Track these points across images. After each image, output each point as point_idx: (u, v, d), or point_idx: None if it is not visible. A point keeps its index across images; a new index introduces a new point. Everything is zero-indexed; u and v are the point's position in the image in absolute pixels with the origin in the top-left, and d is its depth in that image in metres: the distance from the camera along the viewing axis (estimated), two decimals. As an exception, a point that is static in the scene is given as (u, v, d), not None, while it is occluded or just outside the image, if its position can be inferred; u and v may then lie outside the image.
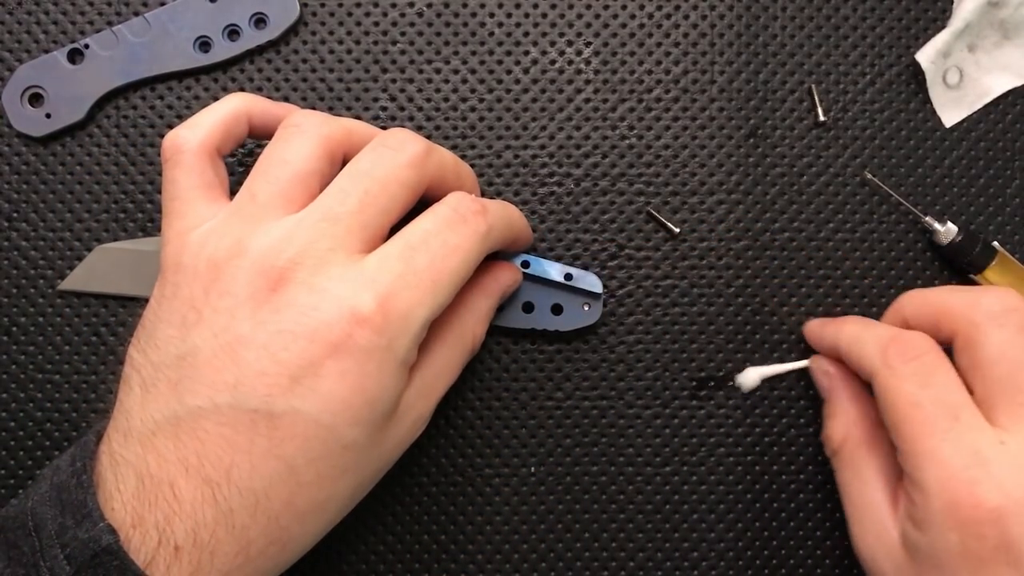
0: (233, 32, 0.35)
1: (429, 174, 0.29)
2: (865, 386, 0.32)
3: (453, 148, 0.36)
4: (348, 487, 0.27)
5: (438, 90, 0.36)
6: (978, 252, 0.35)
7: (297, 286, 0.26)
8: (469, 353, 0.32)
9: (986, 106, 0.37)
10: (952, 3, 0.37)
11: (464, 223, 0.28)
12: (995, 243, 0.36)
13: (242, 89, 0.36)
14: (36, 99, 0.35)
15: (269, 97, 0.36)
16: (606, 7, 0.36)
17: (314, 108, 0.36)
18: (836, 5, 0.37)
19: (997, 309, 0.28)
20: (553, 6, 0.36)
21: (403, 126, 0.36)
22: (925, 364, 0.28)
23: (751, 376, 0.35)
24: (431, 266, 0.27)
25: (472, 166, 0.36)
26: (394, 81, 0.36)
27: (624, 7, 0.37)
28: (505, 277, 0.33)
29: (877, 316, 0.36)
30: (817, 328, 0.34)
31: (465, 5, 0.36)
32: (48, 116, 0.35)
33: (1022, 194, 0.37)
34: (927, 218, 0.36)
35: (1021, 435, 0.27)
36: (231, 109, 0.30)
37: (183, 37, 0.35)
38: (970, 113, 0.37)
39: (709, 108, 0.36)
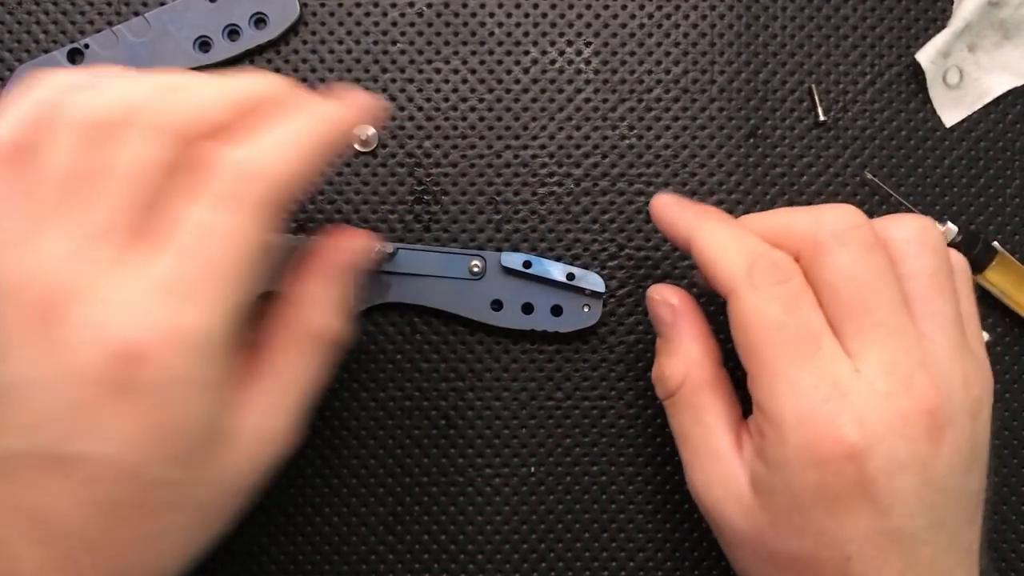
0: (233, 32, 0.35)
1: (185, 132, 0.24)
2: (707, 320, 0.30)
3: (453, 148, 0.36)
4: (182, 521, 0.24)
5: (438, 90, 0.36)
6: (978, 252, 0.35)
7: (71, 321, 0.22)
8: (327, 351, 0.28)
9: (986, 106, 0.37)
10: (952, 3, 0.37)
11: (233, 196, 0.23)
12: (995, 243, 0.36)
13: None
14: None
15: (269, 97, 0.36)
16: (606, 7, 0.36)
17: (314, 108, 0.36)
18: (836, 5, 0.37)
19: (841, 227, 0.26)
20: (553, 6, 0.36)
21: (403, 126, 0.36)
22: (792, 288, 0.26)
23: None
24: (207, 269, 0.23)
25: (472, 166, 0.36)
26: (394, 81, 0.36)
27: (624, 7, 0.37)
28: (345, 252, 0.29)
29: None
30: (670, 208, 0.30)
31: (465, 5, 0.36)
32: None
33: (1022, 194, 0.37)
34: (916, 213, 0.36)
35: (872, 361, 0.25)
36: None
37: (183, 37, 0.35)
38: (970, 113, 0.37)
39: (709, 108, 0.36)
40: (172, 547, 0.25)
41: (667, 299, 0.30)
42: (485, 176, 0.36)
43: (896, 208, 0.36)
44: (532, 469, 0.36)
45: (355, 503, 0.35)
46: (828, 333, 0.26)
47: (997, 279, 0.35)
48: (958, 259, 0.29)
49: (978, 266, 0.35)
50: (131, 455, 0.22)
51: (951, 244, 0.35)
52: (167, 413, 0.23)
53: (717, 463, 0.28)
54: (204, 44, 0.35)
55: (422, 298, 0.35)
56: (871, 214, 0.36)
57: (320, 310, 0.28)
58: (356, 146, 0.36)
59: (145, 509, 0.23)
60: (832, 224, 0.26)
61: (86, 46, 0.35)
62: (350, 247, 0.29)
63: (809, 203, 0.36)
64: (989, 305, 0.36)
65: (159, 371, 0.22)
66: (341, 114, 0.27)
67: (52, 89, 0.24)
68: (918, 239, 0.27)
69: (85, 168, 0.23)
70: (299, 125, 0.25)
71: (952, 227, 0.35)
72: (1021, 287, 0.35)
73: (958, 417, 0.26)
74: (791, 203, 0.36)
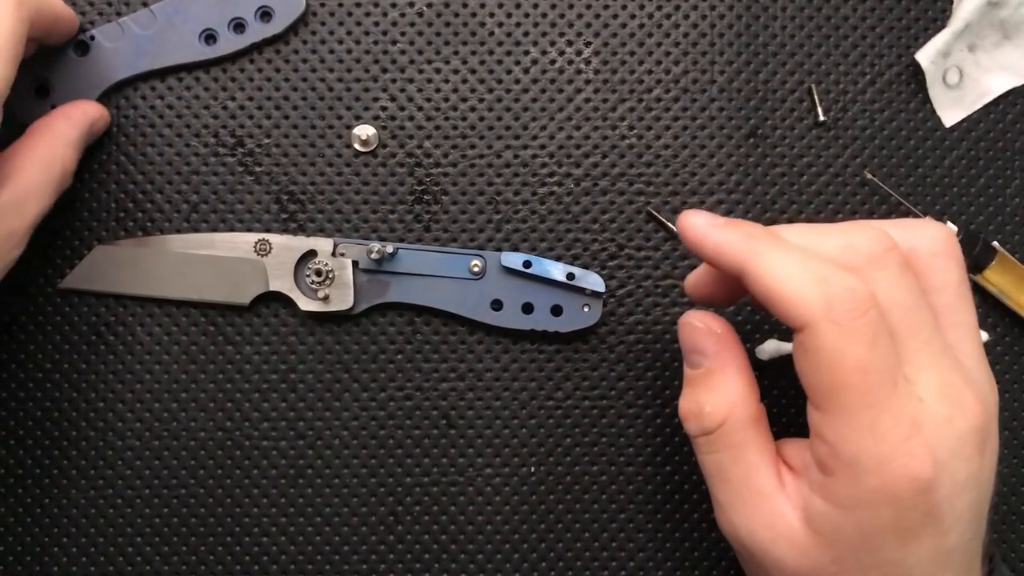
0: (239, 25, 0.35)
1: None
2: (745, 350, 0.29)
3: (453, 148, 0.36)
4: None
5: (438, 90, 0.36)
6: (978, 252, 0.35)
7: None
8: (59, 178, 0.32)
9: (986, 106, 0.37)
10: (952, 3, 0.37)
11: None
12: (995, 243, 0.36)
13: (250, 80, 0.36)
14: (42, 91, 0.35)
15: (269, 97, 0.36)
16: (606, 7, 0.36)
17: (314, 108, 0.36)
18: (836, 5, 0.37)
19: (876, 251, 0.25)
20: (553, 6, 0.36)
21: (403, 126, 0.36)
22: (872, 321, 0.24)
23: (769, 347, 0.35)
24: None
25: (472, 166, 0.36)
26: (394, 81, 0.36)
27: (624, 7, 0.37)
28: (90, 108, 0.34)
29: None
30: (710, 232, 0.27)
31: (465, 5, 0.36)
32: (53, 107, 0.34)
33: (1022, 194, 0.37)
34: (927, 218, 0.36)
35: (928, 386, 0.25)
36: None
37: (188, 30, 0.35)
38: (970, 113, 0.37)
39: (709, 108, 0.36)
40: None
41: (711, 328, 0.28)
42: (485, 176, 0.36)
43: (896, 208, 0.36)
44: (532, 469, 0.36)
45: (355, 503, 0.35)
46: (899, 363, 0.25)
47: (997, 279, 0.35)
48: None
49: (978, 266, 0.35)
50: None
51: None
52: None
53: (763, 503, 0.27)
54: (210, 37, 0.35)
55: (422, 298, 0.35)
56: (871, 214, 0.36)
57: (62, 141, 0.32)
58: (356, 146, 0.36)
59: None
60: (867, 248, 0.25)
61: (92, 38, 0.35)
62: (94, 107, 0.34)
63: (809, 203, 0.36)
64: (989, 305, 0.36)
65: None
66: (69, 15, 0.33)
67: None
68: (944, 251, 0.26)
69: None
70: None
71: (952, 227, 0.35)
72: (1021, 287, 0.35)
73: (993, 425, 0.26)
74: (791, 203, 0.36)
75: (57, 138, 0.32)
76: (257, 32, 0.35)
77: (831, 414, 0.25)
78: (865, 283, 0.24)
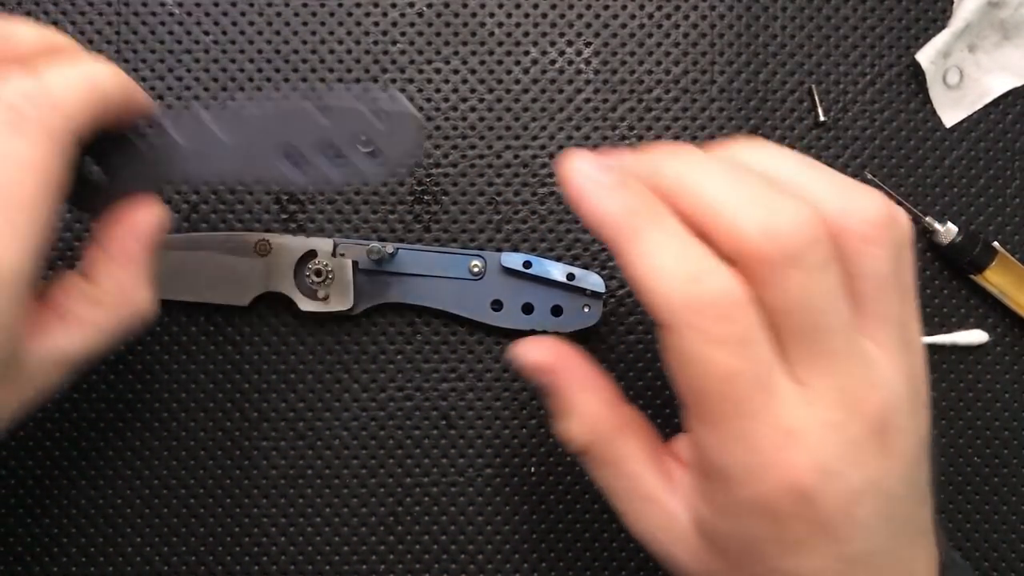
0: (337, 156, 0.28)
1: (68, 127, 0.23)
2: (590, 360, 0.27)
3: (453, 148, 0.36)
4: None
5: (438, 90, 0.36)
6: (978, 252, 0.35)
7: None
8: (132, 325, 0.28)
9: (986, 106, 0.37)
10: (952, 3, 0.37)
11: (25, 122, 0.23)
12: (995, 243, 0.36)
13: (250, 80, 0.36)
14: (89, 170, 0.29)
15: (269, 97, 0.36)
16: (606, 7, 0.36)
17: (314, 108, 0.36)
18: (836, 5, 0.37)
19: (795, 244, 0.22)
20: (553, 6, 0.36)
21: (403, 126, 0.36)
22: (745, 329, 0.22)
23: None
24: (6, 199, 0.22)
25: (472, 166, 0.36)
26: (394, 81, 0.36)
27: (624, 7, 0.37)
28: (146, 226, 0.28)
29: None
30: (593, 188, 0.23)
31: (465, 5, 0.36)
32: (99, 187, 0.28)
33: (1022, 194, 0.37)
34: (927, 218, 0.36)
35: (823, 390, 0.23)
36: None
37: (273, 144, 0.28)
38: (970, 113, 0.37)
39: (709, 108, 0.36)
40: None
41: (535, 360, 0.27)
42: (485, 176, 0.36)
43: (896, 208, 0.36)
44: (532, 469, 0.36)
45: (355, 503, 0.35)
46: (778, 368, 0.22)
47: (997, 279, 0.35)
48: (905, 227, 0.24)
49: (978, 266, 0.35)
50: None
51: (951, 244, 0.35)
52: None
53: (655, 509, 0.26)
54: (296, 158, 0.28)
55: (422, 298, 0.35)
56: (871, 214, 0.36)
57: (130, 299, 0.27)
58: (356, 146, 0.36)
59: None
60: (786, 239, 0.22)
61: (159, 124, 0.28)
62: (151, 220, 0.28)
63: (809, 203, 0.36)
64: (989, 305, 0.36)
65: None
66: (123, 76, 0.26)
67: None
68: (876, 238, 0.23)
69: None
70: (90, 67, 0.25)
71: (952, 227, 0.35)
72: (1021, 287, 0.35)
73: (904, 421, 0.24)
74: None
75: (126, 292, 0.27)
76: (357, 168, 0.28)
77: (699, 421, 0.23)
78: (764, 276, 0.22)
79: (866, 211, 0.23)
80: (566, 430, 0.27)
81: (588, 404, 0.26)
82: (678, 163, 0.23)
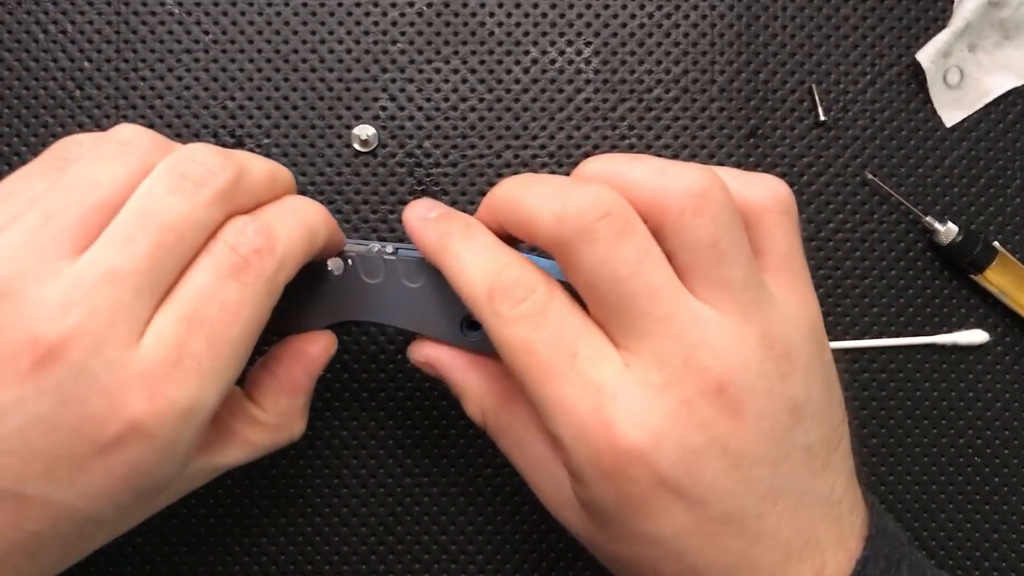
0: (473, 324, 0.29)
1: (237, 206, 0.25)
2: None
3: (453, 148, 0.36)
4: (102, 540, 0.25)
5: (438, 90, 0.36)
6: (978, 252, 0.35)
7: (66, 369, 0.22)
8: (285, 444, 0.30)
9: (987, 106, 0.37)
10: (952, 3, 0.37)
11: (246, 269, 0.24)
12: (995, 243, 0.36)
13: (250, 80, 0.36)
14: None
15: (269, 97, 0.36)
16: (606, 7, 0.36)
17: (313, 108, 0.36)
18: (836, 5, 0.37)
19: (585, 222, 0.23)
20: (553, 6, 0.36)
21: (403, 126, 0.36)
22: (534, 304, 0.24)
23: None
24: (209, 343, 0.23)
25: (472, 166, 0.36)
26: (394, 81, 0.36)
27: (624, 7, 0.37)
28: (316, 358, 0.29)
29: (877, 316, 0.36)
30: (418, 229, 0.27)
31: (465, 5, 0.36)
32: (279, 314, 0.28)
33: (1022, 194, 0.37)
34: (927, 218, 0.36)
35: (642, 354, 0.23)
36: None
37: (450, 306, 0.29)
38: (971, 113, 0.37)
39: (709, 108, 0.36)
40: (78, 557, 0.25)
41: (422, 359, 0.29)
42: (485, 176, 0.36)
43: (897, 208, 0.36)
44: (532, 469, 0.36)
45: (355, 503, 0.35)
46: (587, 334, 0.24)
47: (997, 279, 0.35)
48: (768, 196, 0.26)
49: (978, 266, 0.35)
50: (85, 504, 0.23)
51: (951, 244, 0.35)
52: (144, 477, 0.23)
53: (546, 473, 0.27)
54: (473, 323, 0.29)
55: (386, 315, 0.30)
56: (871, 214, 0.36)
57: (290, 422, 0.29)
58: (356, 146, 0.36)
59: (78, 539, 0.24)
60: (575, 220, 0.23)
61: (349, 260, 0.29)
62: (320, 349, 0.30)
63: (809, 203, 0.36)
64: (989, 305, 0.36)
65: (150, 440, 0.23)
66: (335, 225, 0.28)
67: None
68: (693, 208, 0.23)
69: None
70: (310, 213, 0.27)
71: (952, 227, 0.35)
72: (1021, 287, 0.35)
73: (757, 383, 0.23)
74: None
75: (286, 416, 0.29)
76: None
77: (532, 401, 0.25)
78: (565, 256, 0.24)
79: (679, 186, 0.24)
80: (466, 410, 0.29)
81: (473, 382, 0.29)
82: (505, 186, 0.26)
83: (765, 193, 0.26)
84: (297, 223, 0.26)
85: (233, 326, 0.24)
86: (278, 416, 0.29)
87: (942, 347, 0.36)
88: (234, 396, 0.28)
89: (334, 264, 0.29)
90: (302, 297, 0.29)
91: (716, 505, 0.23)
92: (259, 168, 0.26)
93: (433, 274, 0.28)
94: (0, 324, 0.22)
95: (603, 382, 0.23)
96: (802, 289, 0.26)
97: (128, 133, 0.25)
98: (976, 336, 0.36)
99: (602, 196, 0.23)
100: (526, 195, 0.25)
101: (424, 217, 0.28)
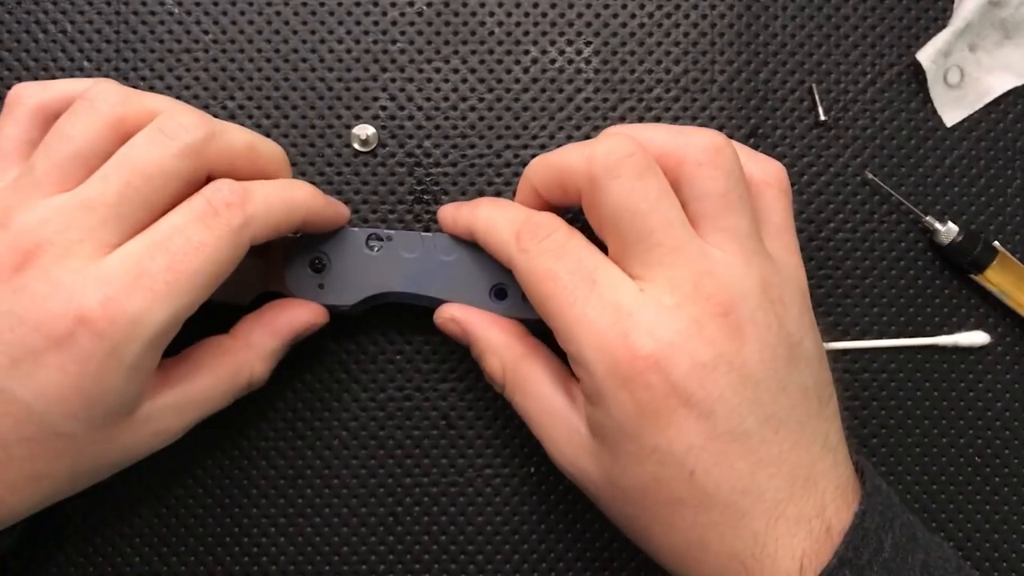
0: (500, 292, 0.33)
1: (208, 163, 0.28)
2: (493, 312, 0.32)
3: (453, 148, 0.36)
4: (65, 469, 0.27)
5: (438, 90, 0.36)
6: (978, 252, 0.35)
7: (36, 271, 0.25)
8: (242, 388, 0.31)
9: (987, 106, 0.37)
10: (953, 3, 0.37)
11: (214, 216, 0.27)
12: (995, 243, 0.35)
13: (249, 80, 0.36)
14: (317, 266, 0.33)
15: (269, 97, 0.36)
16: (606, 7, 0.36)
17: (313, 108, 0.36)
18: (836, 5, 0.37)
19: (612, 160, 0.27)
20: (553, 6, 0.36)
21: (403, 126, 0.36)
22: (556, 240, 0.28)
23: None
24: (169, 268, 0.26)
25: (472, 166, 0.36)
26: (394, 81, 0.36)
27: (624, 7, 0.37)
28: (301, 317, 0.32)
29: (878, 316, 0.36)
30: (451, 212, 0.33)
31: (465, 5, 0.36)
32: (321, 287, 0.32)
33: (1022, 194, 0.37)
34: (927, 218, 0.36)
35: (657, 280, 0.26)
36: (88, 86, 0.29)
37: (481, 276, 0.32)
38: (971, 113, 0.37)
39: (709, 108, 0.36)
40: (42, 492, 0.27)
41: (447, 315, 0.32)
42: (485, 176, 0.36)
43: (897, 208, 0.36)
44: (532, 469, 0.36)
45: (355, 503, 0.35)
46: (604, 264, 0.27)
47: (997, 279, 0.35)
48: (769, 173, 0.30)
49: (978, 266, 0.35)
50: (42, 405, 0.25)
51: (951, 244, 0.35)
52: (90, 380, 0.25)
53: (559, 423, 0.29)
54: (500, 291, 0.33)
55: (421, 286, 0.33)
56: (871, 214, 0.36)
57: (255, 354, 0.31)
58: (356, 146, 0.36)
59: (38, 452, 0.26)
60: (603, 158, 0.27)
61: (389, 238, 0.33)
62: (307, 313, 0.32)
63: (809, 203, 0.36)
64: (989, 305, 0.36)
65: (99, 341, 0.25)
66: (324, 200, 0.31)
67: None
68: (709, 161, 0.27)
69: (106, 153, 0.27)
70: (294, 190, 0.30)
71: (952, 227, 0.35)
72: (1021, 287, 0.35)
73: (757, 314, 0.26)
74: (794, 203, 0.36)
75: (252, 350, 0.31)
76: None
77: (554, 328, 0.28)
78: (592, 193, 0.27)
79: (698, 141, 0.27)
80: (486, 366, 0.32)
81: (495, 337, 0.32)
82: (537, 157, 0.31)
83: (767, 169, 0.30)
84: (275, 192, 0.29)
85: (193, 260, 0.26)
86: (245, 346, 0.31)
87: (943, 348, 0.36)
88: (207, 340, 0.31)
89: (375, 242, 0.33)
90: (348, 270, 0.32)
91: (724, 420, 0.25)
92: (237, 135, 0.29)
93: (465, 249, 0.32)
94: None
95: (620, 302, 0.26)
96: (795, 259, 0.29)
97: (96, 90, 0.28)
98: (977, 338, 0.36)
99: (626, 141, 0.27)
100: (557, 154, 0.29)
101: (456, 207, 0.32)
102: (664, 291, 0.26)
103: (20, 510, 0.27)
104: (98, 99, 0.28)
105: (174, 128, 0.27)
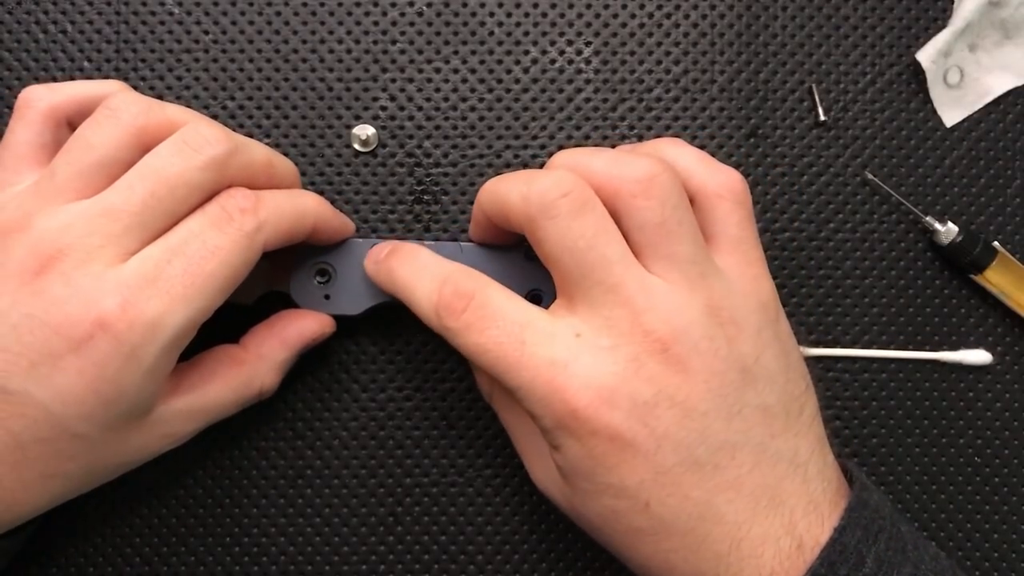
0: (536, 297, 0.32)
1: (229, 177, 0.29)
2: None
3: (453, 148, 0.36)
4: (78, 470, 0.28)
5: (438, 90, 0.36)
6: (978, 252, 0.35)
7: (57, 275, 0.26)
8: (252, 398, 0.32)
9: (987, 106, 0.37)
10: (952, 3, 0.37)
11: (229, 222, 0.28)
12: (995, 243, 0.35)
13: (249, 80, 0.36)
14: (323, 274, 0.33)
15: (269, 97, 0.36)
16: (606, 7, 0.36)
17: (313, 108, 0.36)
18: (836, 5, 0.37)
19: (548, 200, 0.26)
20: (553, 6, 0.36)
21: (403, 126, 0.36)
22: (475, 309, 0.27)
23: None
24: (186, 271, 0.27)
25: (472, 166, 0.36)
26: (394, 81, 0.36)
27: (624, 7, 0.37)
28: (311, 327, 0.33)
29: (877, 317, 0.36)
30: (371, 265, 0.32)
31: (465, 5, 0.36)
32: (327, 297, 0.33)
33: (1022, 194, 0.37)
34: (927, 218, 0.36)
35: (594, 321, 0.26)
36: (99, 90, 0.30)
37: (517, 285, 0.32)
38: (971, 113, 0.37)
39: (709, 108, 0.36)
40: (54, 492, 0.28)
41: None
42: (485, 176, 0.36)
43: (897, 208, 0.36)
44: (532, 469, 0.36)
45: (355, 503, 0.35)
46: (531, 323, 0.27)
47: (997, 279, 0.35)
48: (723, 185, 0.29)
49: (978, 266, 0.35)
50: (59, 407, 0.26)
51: (951, 244, 0.35)
52: (107, 382, 0.26)
53: (533, 448, 0.30)
54: (536, 298, 0.33)
55: None
56: (871, 214, 0.36)
57: (266, 365, 0.32)
58: (356, 146, 0.36)
59: (53, 453, 0.27)
60: (538, 198, 0.27)
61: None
62: (315, 324, 0.33)
63: (809, 203, 0.36)
64: (989, 305, 0.36)
65: (117, 344, 0.26)
66: (332, 209, 0.32)
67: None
68: (643, 192, 0.27)
69: (127, 162, 0.28)
70: (304, 199, 0.31)
71: (952, 227, 0.35)
72: (1021, 287, 0.35)
73: (702, 343, 0.26)
74: (791, 203, 0.36)
75: (263, 361, 0.32)
76: None
77: (506, 388, 0.27)
78: (531, 233, 0.27)
79: (631, 173, 0.27)
80: (479, 382, 0.33)
81: None
82: (487, 182, 0.30)
83: (720, 183, 0.29)
84: (286, 200, 0.30)
85: (209, 263, 0.27)
86: (257, 357, 0.32)
87: (944, 363, 0.36)
88: (220, 347, 0.32)
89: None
90: (353, 280, 0.33)
91: (671, 454, 0.26)
92: (257, 150, 0.30)
93: (466, 257, 0.32)
94: (12, 245, 0.26)
95: (554, 356, 0.26)
96: (754, 271, 0.28)
97: (118, 99, 0.28)
98: (979, 356, 0.36)
99: (563, 178, 0.27)
100: (501, 185, 0.29)
101: (376, 251, 0.32)
102: (601, 333, 0.26)
103: (30, 509, 0.28)
104: (121, 108, 0.28)
105: (199, 141, 0.28)
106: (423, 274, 0.29)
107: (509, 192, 0.28)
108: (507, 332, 0.27)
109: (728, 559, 0.25)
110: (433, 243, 0.32)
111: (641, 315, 0.26)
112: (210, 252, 0.27)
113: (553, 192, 0.26)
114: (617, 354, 0.26)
